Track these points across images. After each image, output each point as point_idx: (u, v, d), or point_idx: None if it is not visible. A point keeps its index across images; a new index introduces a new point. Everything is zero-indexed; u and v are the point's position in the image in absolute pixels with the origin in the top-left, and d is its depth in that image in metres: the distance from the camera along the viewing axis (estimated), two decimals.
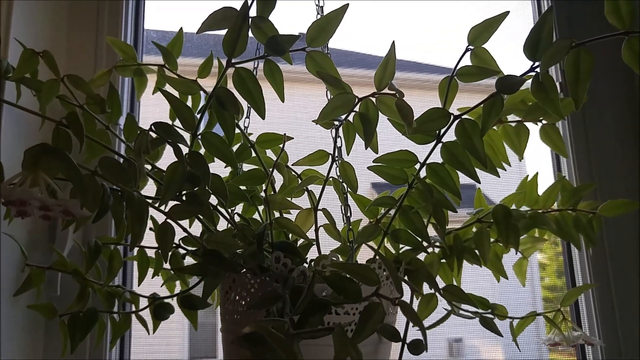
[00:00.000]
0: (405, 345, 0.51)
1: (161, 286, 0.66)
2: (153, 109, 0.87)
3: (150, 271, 0.66)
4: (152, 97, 0.69)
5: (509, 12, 0.52)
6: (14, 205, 0.41)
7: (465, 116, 0.52)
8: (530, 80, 0.50)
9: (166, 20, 0.97)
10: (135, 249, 0.65)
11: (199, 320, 0.66)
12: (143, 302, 0.65)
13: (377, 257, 0.51)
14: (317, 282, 0.46)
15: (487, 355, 0.94)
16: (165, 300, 0.64)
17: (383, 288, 0.54)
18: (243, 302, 0.53)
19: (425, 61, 1.06)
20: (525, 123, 0.61)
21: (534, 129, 0.62)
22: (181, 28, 0.67)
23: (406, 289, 0.49)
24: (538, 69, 0.47)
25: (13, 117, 0.66)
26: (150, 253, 0.66)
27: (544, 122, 0.61)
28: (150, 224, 0.58)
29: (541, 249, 0.95)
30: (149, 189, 0.62)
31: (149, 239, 0.55)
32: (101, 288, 0.63)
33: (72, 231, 0.60)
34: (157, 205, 0.51)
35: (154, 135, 0.51)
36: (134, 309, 0.65)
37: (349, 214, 0.60)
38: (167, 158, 0.58)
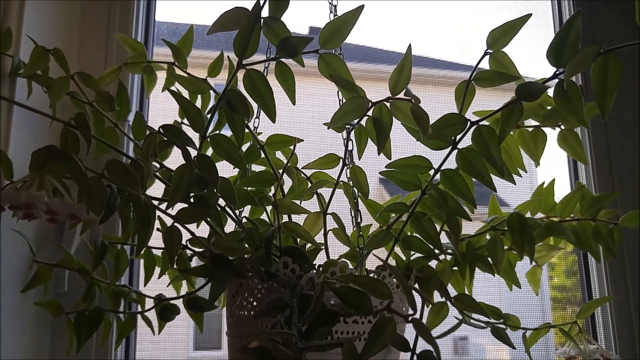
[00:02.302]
0: (415, 356, 0.50)
1: (167, 286, 0.66)
2: (163, 106, 0.86)
3: (157, 271, 0.65)
4: (162, 95, 0.68)
5: (531, 14, 0.50)
6: (20, 209, 0.40)
7: (482, 122, 0.51)
8: (550, 84, 0.48)
9: (178, 12, 0.96)
10: None
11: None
12: (149, 303, 0.64)
13: (388, 268, 0.49)
14: (326, 291, 0.45)
15: (492, 354, 0.93)
16: (171, 302, 0.63)
17: (393, 297, 0.52)
18: (249, 307, 0.52)
19: (436, 57, 1.04)
20: (542, 128, 0.59)
21: (550, 133, 0.60)
22: (192, 26, 0.66)
23: (416, 296, 0.47)
24: (561, 76, 0.45)
25: (24, 111, 0.65)
26: (157, 252, 0.65)
27: (562, 126, 0.59)
28: (157, 224, 0.57)
29: None
30: (156, 186, 0.61)
31: (156, 238, 0.54)
32: (107, 287, 0.63)
33: (80, 230, 0.59)
34: (164, 208, 0.50)
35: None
36: (139, 309, 0.65)
37: (359, 220, 0.59)
38: (176, 155, 0.57)
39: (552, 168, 0.92)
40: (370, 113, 0.53)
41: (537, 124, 0.59)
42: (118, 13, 0.84)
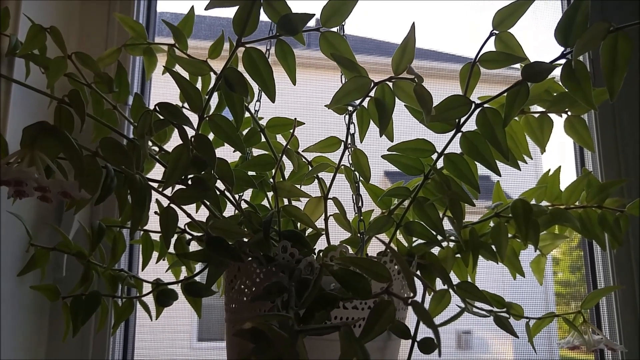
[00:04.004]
0: (416, 344, 0.49)
1: (166, 271, 0.65)
2: (164, 89, 0.85)
3: (155, 256, 0.64)
4: (164, 77, 0.67)
5: None
6: (10, 185, 0.39)
7: (487, 105, 0.49)
8: (556, 69, 0.47)
9: (179, 2, 0.94)
10: (140, 232, 0.63)
11: (208, 301, 0.64)
12: (147, 288, 0.63)
13: (389, 251, 0.48)
14: (324, 275, 0.44)
15: (495, 348, 0.92)
16: (169, 287, 0.62)
17: (394, 282, 0.51)
18: (248, 292, 0.52)
19: (444, 50, 1.02)
20: (549, 114, 0.58)
21: (556, 119, 0.59)
22: (192, 7, 0.65)
23: (418, 283, 0.46)
24: (569, 56, 0.44)
25: (22, 93, 0.64)
26: (155, 237, 0.64)
27: (569, 113, 0.58)
28: (156, 207, 0.57)
29: None
30: (158, 170, 0.61)
31: (155, 222, 0.54)
32: (105, 271, 0.62)
33: (74, 212, 0.59)
34: (161, 189, 0.49)
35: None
36: (137, 293, 0.64)
37: (360, 204, 0.57)
38: (176, 139, 0.56)
39: (558, 157, 0.91)
40: (372, 94, 0.51)
41: (543, 110, 0.57)
42: (119, 2, 0.83)
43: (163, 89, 0.86)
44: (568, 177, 0.65)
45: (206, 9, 0.46)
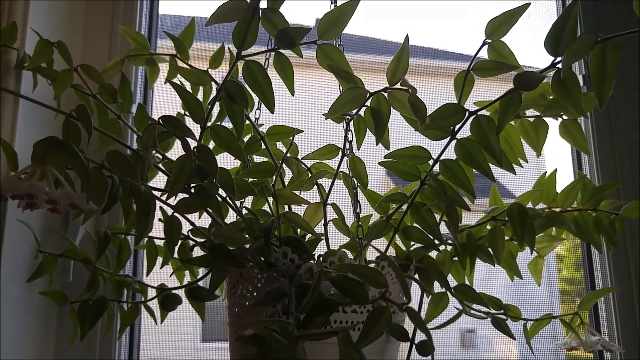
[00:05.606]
0: (414, 346, 0.50)
1: (170, 276, 0.66)
2: (166, 98, 0.87)
3: (159, 261, 0.66)
4: (166, 87, 0.69)
5: (529, 3, 0.50)
6: (22, 199, 0.41)
7: (481, 112, 0.51)
8: (550, 74, 0.48)
9: (181, 5, 0.96)
10: (145, 238, 0.65)
11: (211, 302, 0.65)
12: (152, 293, 0.65)
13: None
14: (324, 280, 0.45)
15: (499, 347, 0.93)
16: (173, 292, 0.64)
17: (393, 286, 0.53)
18: (249, 296, 0.53)
19: (441, 47, 1.03)
20: (544, 118, 0.59)
21: (552, 122, 0.60)
22: (193, 18, 0.66)
23: (416, 287, 0.48)
24: (559, 65, 0.45)
25: (30, 105, 0.66)
26: (159, 242, 0.66)
27: (564, 116, 0.59)
28: (160, 215, 0.58)
29: None
30: (160, 178, 0.62)
31: (159, 228, 0.55)
32: (110, 277, 0.64)
33: (82, 222, 0.60)
34: (164, 198, 0.51)
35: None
36: (142, 298, 0.66)
37: (358, 210, 0.59)
38: (179, 147, 0.57)
39: (560, 157, 0.92)
40: (368, 103, 0.53)
41: (538, 114, 0.58)
42: (122, 7, 0.85)
43: (165, 96, 0.87)
44: (567, 179, 0.66)
45: (207, 25, 0.47)
